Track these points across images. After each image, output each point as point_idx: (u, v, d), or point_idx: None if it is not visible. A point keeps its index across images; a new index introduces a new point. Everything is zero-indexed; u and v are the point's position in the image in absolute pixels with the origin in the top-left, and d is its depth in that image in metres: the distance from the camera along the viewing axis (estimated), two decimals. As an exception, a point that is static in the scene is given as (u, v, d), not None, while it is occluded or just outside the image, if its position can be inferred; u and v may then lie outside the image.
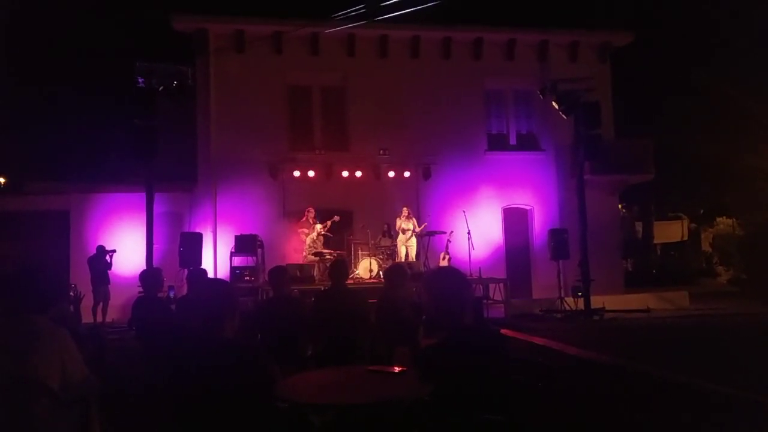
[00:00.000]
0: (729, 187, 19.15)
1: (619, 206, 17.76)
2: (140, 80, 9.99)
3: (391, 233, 12.35)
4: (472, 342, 2.58)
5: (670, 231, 24.90)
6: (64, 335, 2.48)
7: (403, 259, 11.83)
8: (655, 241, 24.60)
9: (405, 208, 12.33)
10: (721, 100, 17.68)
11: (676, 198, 22.58)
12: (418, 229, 12.21)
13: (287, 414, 2.61)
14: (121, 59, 10.73)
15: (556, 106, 12.19)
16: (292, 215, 13.17)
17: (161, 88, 10.10)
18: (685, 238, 24.86)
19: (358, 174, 13.55)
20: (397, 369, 3.02)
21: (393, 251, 12.10)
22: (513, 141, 15.38)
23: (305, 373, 3.37)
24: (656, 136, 15.62)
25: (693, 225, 24.93)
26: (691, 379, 5.52)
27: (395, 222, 12.27)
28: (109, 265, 11.68)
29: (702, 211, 24.15)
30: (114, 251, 11.78)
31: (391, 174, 13.71)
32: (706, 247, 23.56)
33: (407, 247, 12.11)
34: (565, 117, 12.32)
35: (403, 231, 12.12)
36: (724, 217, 21.62)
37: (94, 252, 11.78)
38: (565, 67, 14.62)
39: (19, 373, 2.31)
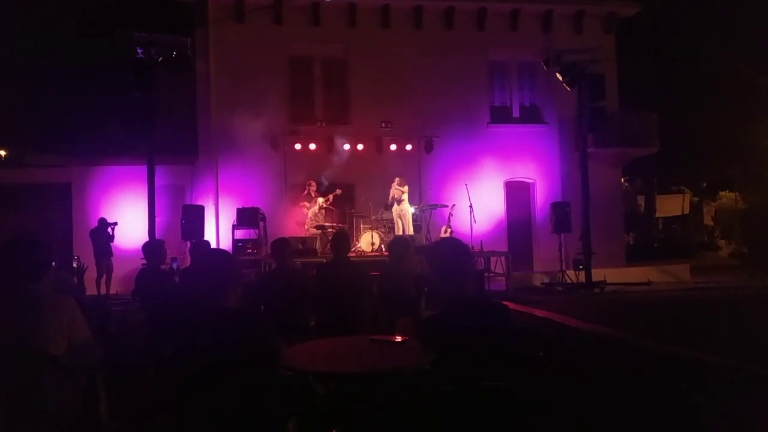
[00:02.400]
0: (732, 162, 19.05)
1: (622, 180, 17.70)
2: (139, 51, 9.84)
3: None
4: (474, 312, 2.59)
5: (672, 205, 24.88)
6: (69, 302, 2.50)
7: (400, 232, 11.71)
8: (657, 215, 24.60)
9: (398, 178, 11.98)
10: (728, 73, 17.47)
11: (679, 171, 22.47)
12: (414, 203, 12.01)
13: (291, 382, 2.64)
14: (120, 29, 10.53)
15: (560, 78, 12.05)
16: (294, 188, 13.17)
17: (160, 59, 9.95)
18: (687, 211, 24.85)
19: (360, 147, 13.47)
20: (399, 338, 3.04)
21: (394, 224, 12.05)
22: (516, 113, 15.25)
23: (309, 342, 3.40)
24: (661, 108, 15.47)
25: (695, 199, 24.89)
26: (691, 351, 5.57)
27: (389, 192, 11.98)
28: (111, 238, 11.71)
29: (705, 185, 24.08)
30: (115, 224, 11.80)
31: (393, 147, 13.63)
32: (707, 220, 23.60)
33: (402, 218, 11.83)
34: (569, 89, 12.19)
35: (397, 201, 11.87)
36: (727, 191, 21.58)
37: (96, 224, 11.81)
38: (569, 38, 14.43)
39: (25, 341, 2.32)
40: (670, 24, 18.60)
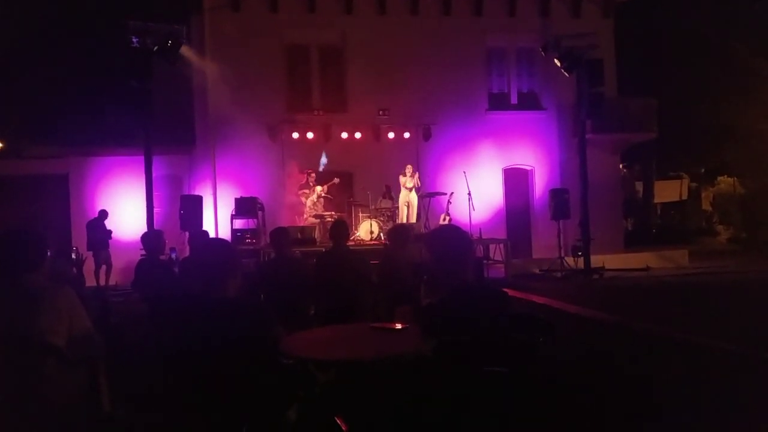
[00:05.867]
0: (731, 146, 19.00)
1: (620, 165, 17.68)
2: (134, 40, 9.76)
3: (392, 194, 12.31)
4: (473, 299, 2.60)
5: (671, 190, 24.87)
6: (69, 292, 2.50)
7: (404, 219, 11.82)
8: (655, 201, 24.60)
9: (409, 165, 12.17)
10: (727, 57, 17.37)
11: (677, 157, 22.42)
12: (419, 184, 12.15)
13: (292, 370, 2.65)
14: (116, 18, 10.45)
15: (558, 64, 11.99)
16: (292, 177, 13.13)
17: (156, 48, 9.88)
18: (685, 197, 24.85)
19: (358, 135, 13.43)
20: (399, 326, 3.04)
21: (393, 213, 12.08)
22: (514, 100, 15.19)
23: (309, 330, 3.41)
24: (659, 93, 15.41)
25: (693, 184, 24.88)
26: (690, 336, 5.60)
27: (398, 180, 12.14)
28: (109, 233, 11.69)
29: (703, 170, 24.05)
30: (106, 214, 11.79)
31: (391, 135, 13.59)
32: (706, 206, 23.58)
33: (409, 206, 12.00)
34: (567, 75, 12.14)
35: (407, 188, 11.99)
36: (725, 176, 21.55)
37: (96, 215, 11.81)
38: (567, 23, 14.32)
39: (25, 333, 2.33)
40: (668, 8, 18.47)
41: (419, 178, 12.30)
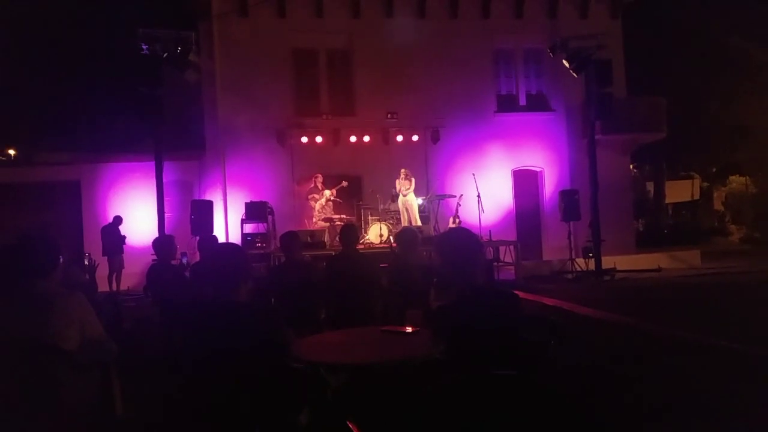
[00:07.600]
0: (742, 145, 18.83)
1: (631, 166, 17.56)
2: (144, 47, 9.86)
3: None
4: (484, 301, 2.59)
5: (682, 190, 24.66)
6: (81, 298, 2.52)
7: (406, 223, 11.73)
8: (666, 201, 24.41)
9: (403, 170, 11.98)
10: (737, 56, 17.24)
11: (688, 157, 22.25)
12: (412, 186, 12.02)
13: (303, 374, 2.65)
14: (125, 25, 10.59)
15: (567, 65, 11.96)
16: (301, 181, 13.19)
17: (165, 54, 9.97)
18: (697, 197, 24.64)
19: (366, 139, 13.45)
20: (409, 329, 3.04)
21: (401, 215, 12.04)
22: (523, 101, 15.14)
23: (319, 334, 3.42)
24: (669, 93, 15.31)
25: (705, 184, 24.67)
26: (702, 337, 5.55)
27: (395, 185, 12.01)
28: (123, 239, 11.78)
29: (714, 170, 23.84)
30: (121, 220, 11.90)
31: (400, 138, 13.59)
32: (718, 205, 23.38)
33: (408, 209, 11.85)
34: (575, 75, 12.09)
35: (403, 193, 11.88)
36: (737, 176, 21.36)
37: (110, 221, 11.91)
38: (575, 23, 14.27)
39: (38, 337, 2.35)
40: (676, 6, 18.35)
41: (427, 184, 12.20)
